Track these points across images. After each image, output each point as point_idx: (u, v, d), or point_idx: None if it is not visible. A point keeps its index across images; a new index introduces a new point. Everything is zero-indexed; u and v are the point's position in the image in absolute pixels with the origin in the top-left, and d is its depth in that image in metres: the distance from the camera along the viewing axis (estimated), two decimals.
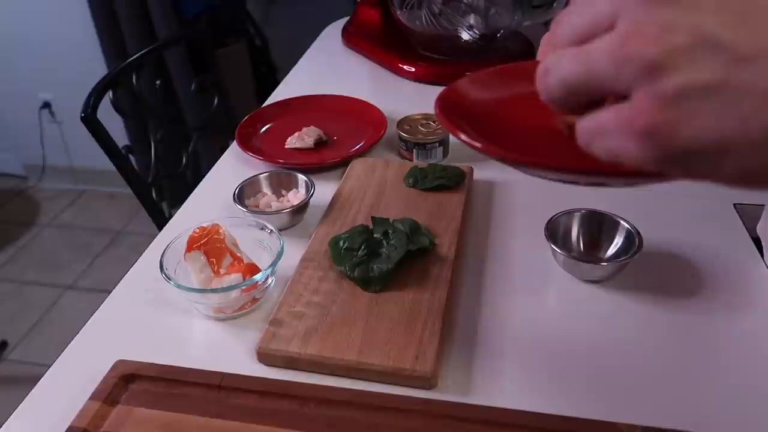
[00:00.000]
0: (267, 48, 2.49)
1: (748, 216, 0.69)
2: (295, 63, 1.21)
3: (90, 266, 2.10)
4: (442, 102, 0.42)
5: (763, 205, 0.70)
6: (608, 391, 0.50)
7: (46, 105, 2.31)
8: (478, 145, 0.36)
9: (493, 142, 0.36)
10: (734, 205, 0.70)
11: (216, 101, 1.25)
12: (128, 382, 0.49)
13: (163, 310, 0.60)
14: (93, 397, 0.47)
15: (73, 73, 2.17)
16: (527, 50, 1.13)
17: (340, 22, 1.31)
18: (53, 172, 2.48)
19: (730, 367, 0.51)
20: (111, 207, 2.39)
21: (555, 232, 0.62)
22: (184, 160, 1.18)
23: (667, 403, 0.48)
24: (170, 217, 0.76)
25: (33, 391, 0.52)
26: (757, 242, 0.65)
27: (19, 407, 0.51)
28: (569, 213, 0.63)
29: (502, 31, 1.07)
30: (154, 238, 0.71)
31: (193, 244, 0.59)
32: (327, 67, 1.17)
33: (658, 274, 0.61)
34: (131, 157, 1.03)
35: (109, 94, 1.00)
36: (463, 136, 0.36)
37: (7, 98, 2.32)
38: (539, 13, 1.08)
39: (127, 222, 2.30)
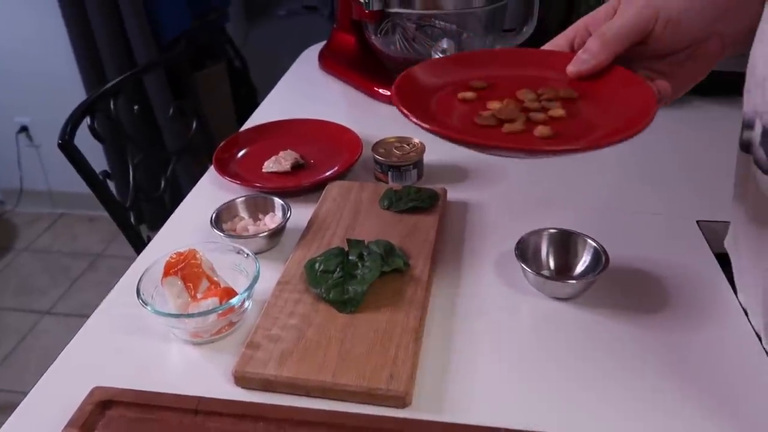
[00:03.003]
0: (246, 70, 2.51)
1: (711, 232, 0.72)
2: (275, 84, 1.23)
3: (68, 291, 2.08)
4: (398, 88, 0.52)
5: (726, 222, 0.73)
6: (576, 406, 0.51)
7: (24, 129, 2.30)
8: (426, 126, 0.47)
9: (434, 121, 0.48)
10: (697, 222, 0.73)
11: (195, 125, 1.26)
12: (105, 409, 0.49)
13: (140, 335, 0.61)
14: (70, 424, 0.48)
15: (51, 96, 2.17)
16: None
17: (317, 46, 1.34)
18: (31, 196, 2.45)
19: (694, 379, 0.53)
20: (90, 230, 2.38)
21: (525, 251, 0.64)
22: (162, 184, 1.18)
23: (638, 417, 0.50)
24: (149, 240, 0.77)
25: (10, 418, 0.52)
26: (720, 257, 0.67)
27: None
28: (539, 232, 0.65)
29: None
30: (132, 262, 0.72)
31: (170, 270, 0.60)
32: (304, 91, 1.19)
33: (625, 291, 0.63)
34: (109, 182, 1.04)
35: (87, 119, 1.00)
36: (413, 119, 0.47)
37: None
38: (510, 37, 1.11)
39: (107, 245, 2.28)
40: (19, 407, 0.54)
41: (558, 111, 0.51)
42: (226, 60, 2.36)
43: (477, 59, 0.60)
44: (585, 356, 0.56)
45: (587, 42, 0.52)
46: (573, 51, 0.55)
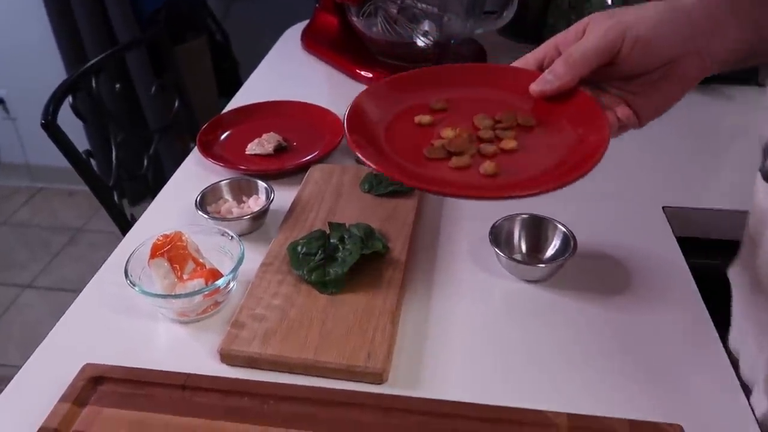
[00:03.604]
0: (228, 43, 2.49)
1: (675, 218, 0.76)
2: (257, 58, 1.23)
3: (49, 265, 2.08)
4: (349, 123, 0.52)
5: (690, 208, 0.77)
6: (544, 382, 0.55)
7: (0, 101, 2.26)
8: (373, 166, 0.48)
9: (387, 162, 0.49)
10: (663, 208, 0.77)
11: (177, 102, 1.27)
12: (97, 384, 0.52)
13: (128, 314, 0.63)
14: (63, 398, 0.50)
15: (28, 69, 2.14)
16: (480, 56, 1.18)
17: (300, 25, 1.34)
18: (8, 170, 2.43)
19: (656, 357, 0.57)
20: (70, 205, 2.36)
21: (498, 235, 0.67)
22: (145, 162, 1.19)
23: (598, 392, 0.54)
24: (132, 218, 0.78)
25: (3, 393, 0.55)
26: (682, 241, 0.71)
27: None
28: (511, 218, 0.68)
29: (455, 38, 1.11)
30: (114, 236, 0.74)
31: (156, 252, 0.62)
32: (287, 72, 1.20)
33: (592, 274, 0.67)
34: (92, 161, 1.04)
35: (69, 99, 1.01)
36: (361, 157, 0.48)
37: None
38: (490, 21, 1.13)
39: (87, 220, 2.28)
40: (11, 383, 0.56)
41: (510, 143, 0.51)
42: (207, 33, 2.33)
43: (442, 74, 0.60)
44: (553, 335, 0.60)
45: (554, 63, 0.52)
46: (541, 70, 0.54)
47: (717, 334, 0.59)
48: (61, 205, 2.37)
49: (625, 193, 0.80)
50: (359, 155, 0.49)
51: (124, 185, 1.12)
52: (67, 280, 1.99)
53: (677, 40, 0.49)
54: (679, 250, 0.70)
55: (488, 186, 0.48)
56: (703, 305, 0.63)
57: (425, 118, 0.55)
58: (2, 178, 2.45)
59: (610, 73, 0.51)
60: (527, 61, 0.55)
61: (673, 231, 0.73)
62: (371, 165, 0.48)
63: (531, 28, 1.23)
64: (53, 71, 1.99)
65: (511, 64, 0.56)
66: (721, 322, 0.62)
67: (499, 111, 0.55)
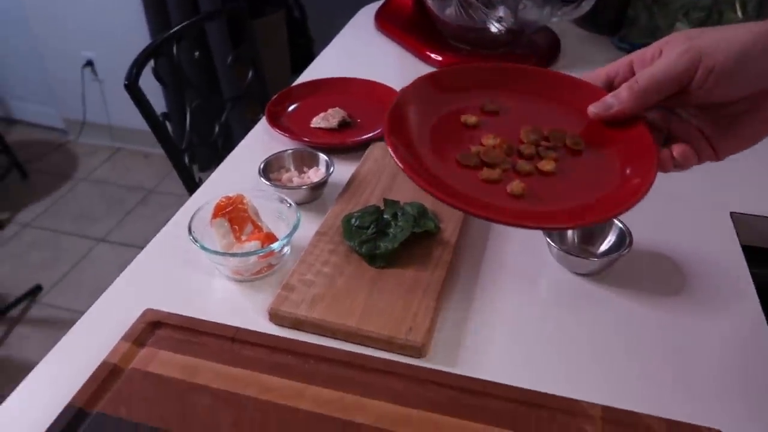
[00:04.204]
0: (305, 19, 2.54)
1: (743, 225, 0.73)
2: (332, 35, 1.25)
3: (121, 222, 2.20)
4: (390, 126, 0.49)
5: (762, 216, 0.73)
6: (582, 374, 0.55)
7: (89, 63, 2.40)
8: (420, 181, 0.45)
9: (429, 177, 0.46)
10: (731, 213, 0.74)
11: (251, 74, 1.31)
12: (155, 328, 0.56)
13: (189, 268, 0.67)
14: (124, 338, 0.54)
15: (117, 34, 2.25)
16: (554, 45, 1.16)
17: (375, 5, 1.35)
18: (92, 129, 2.57)
19: (704, 363, 0.55)
20: (144, 166, 2.49)
21: None
22: (216, 129, 1.24)
23: (638, 389, 0.53)
24: (200, 181, 0.82)
25: (72, 329, 0.59)
26: (747, 250, 0.68)
27: (57, 345, 0.58)
28: None
29: (530, 26, 1.10)
30: (182, 199, 0.77)
31: (219, 212, 0.65)
32: (357, 50, 1.22)
33: (646, 273, 0.65)
34: (168, 124, 1.10)
35: (151, 63, 1.06)
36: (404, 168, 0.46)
37: (52, 54, 2.42)
38: (568, 10, 1.10)
39: (159, 182, 2.39)
40: (79, 321, 0.60)
41: (548, 164, 0.49)
42: (285, 9, 2.38)
43: (508, 73, 0.57)
44: (597, 329, 0.59)
45: (621, 86, 0.48)
46: (610, 89, 0.51)
47: None
48: (137, 166, 2.50)
49: (692, 196, 0.77)
50: (393, 156, 0.47)
51: (195, 150, 1.17)
52: (136, 237, 2.10)
53: (767, 72, 0.43)
54: (743, 258, 0.67)
55: (507, 211, 0.46)
56: (763, 317, 0.60)
57: (471, 119, 0.53)
58: (87, 136, 2.60)
59: (685, 100, 0.47)
60: (598, 75, 0.52)
61: (739, 238, 0.70)
62: (401, 166, 0.46)
63: (610, 20, 1.19)
64: (139, 37, 2.09)
65: (581, 77, 0.53)
66: None
67: (551, 125, 0.52)
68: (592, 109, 0.50)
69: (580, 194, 0.47)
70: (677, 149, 0.48)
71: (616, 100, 0.49)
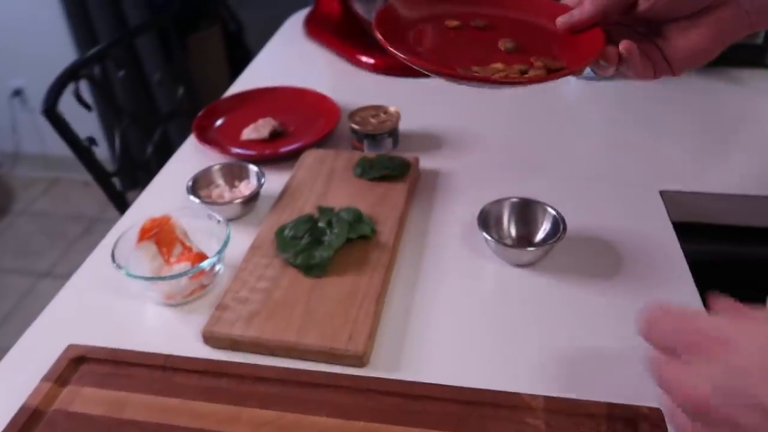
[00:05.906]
0: (241, 32, 2.50)
1: (672, 203, 0.74)
2: None
3: (65, 253, 2.12)
4: (379, 19, 0.55)
5: (688, 192, 0.75)
6: (527, 367, 0.54)
7: (18, 92, 2.30)
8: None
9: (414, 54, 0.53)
10: (660, 192, 0.75)
11: (181, 90, 1.27)
12: (78, 364, 0.53)
13: (118, 296, 0.64)
14: (45, 378, 0.51)
15: (45, 59, 2.16)
16: None
17: (304, 12, 1.33)
18: (26, 160, 2.47)
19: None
20: (86, 194, 2.40)
21: (487, 219, 0.66)
22: (150, 149, 1.20)
23: (582, 377, 0.53)
24: None
25: None
26: (678, 227, 0.69)
27: None
28: (500, 201, 0.67)
29: None
30: None
31: (144, 235, 0.63)
32: (288, 58, 1.20)
33: (582, 258, 0.65)
34: (100, 147, 1.05)
35: (76, 84, 1.02)
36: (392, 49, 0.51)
37: None
38: None
39: (103, 209, 2.31)
40: (2, 361, 0.57)
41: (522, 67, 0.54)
42: (220, 22, 2.34)
43: None
44: (540, 320, 0.59)
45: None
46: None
47: None
48: (77, 195, 2.41)
49: (622, 178, 0.78)
50: (383, 41, 0.52)
51: (135, 173, 1.13)
52: None
53: None
54: (674, 235, 0.68)
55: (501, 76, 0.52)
56: (696, 291, 0.61)
57: (453, 23, 0.59)
58: (21, 167, 2.50)
59: (640, 16, 0.51)
60: None
61: (670, 216, 0.71)
62: (393, 51, 0.51)
63: None
64: (70, 61, 2.01)
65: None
66: None
67: (530, 37, 0.58)
68: (560, 19, 0.56)
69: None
70: (623, 44, 0.50)
71: (578, 10, 0.54)
